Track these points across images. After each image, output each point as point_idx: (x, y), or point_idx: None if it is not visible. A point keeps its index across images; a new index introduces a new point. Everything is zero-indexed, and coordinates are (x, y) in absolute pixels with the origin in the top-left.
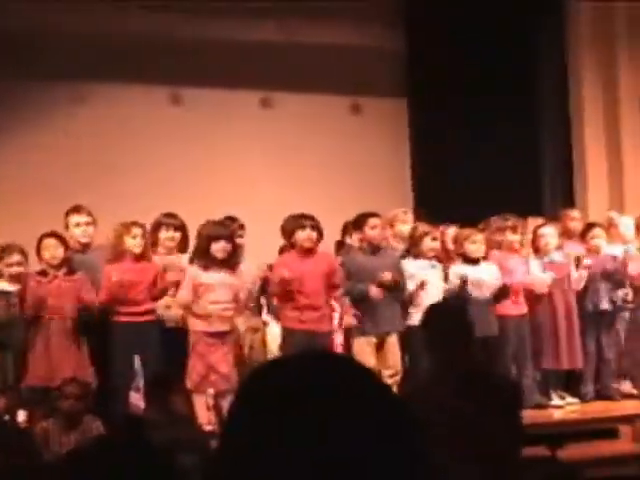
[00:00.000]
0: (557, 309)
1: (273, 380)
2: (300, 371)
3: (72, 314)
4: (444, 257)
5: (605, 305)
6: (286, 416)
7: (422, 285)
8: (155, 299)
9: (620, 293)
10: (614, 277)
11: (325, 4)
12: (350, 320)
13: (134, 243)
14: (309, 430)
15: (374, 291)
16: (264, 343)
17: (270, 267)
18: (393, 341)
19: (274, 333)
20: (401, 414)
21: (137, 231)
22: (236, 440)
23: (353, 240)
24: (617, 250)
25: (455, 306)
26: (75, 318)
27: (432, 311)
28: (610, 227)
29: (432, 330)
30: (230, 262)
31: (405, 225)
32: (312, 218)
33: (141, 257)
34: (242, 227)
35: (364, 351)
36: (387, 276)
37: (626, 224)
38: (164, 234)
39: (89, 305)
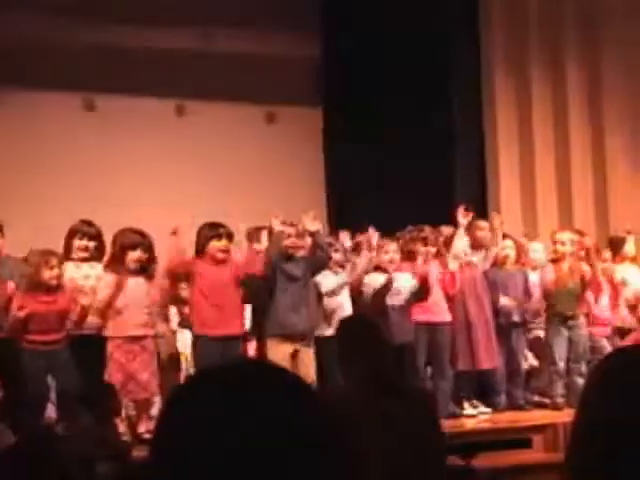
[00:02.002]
0: (470, 312)
1: (205, 389)
2: (232, 379)
3: None
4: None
5: (516, 317)
6: (216, 425)
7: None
8: (76, 325)
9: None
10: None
11: (241, 12)
12: None
13: (51, 275)
14: (239, 439)
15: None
16: (174, 351)
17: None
18: (307, 351)
19: (184, 340)
20: (329, 421)
21: (54, 261)
22: (166, 450)
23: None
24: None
25: (368, 318)
26: None
27: (345, 324)
28: (520, 253)
29: (345, 343)
30: (146, 270)
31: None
32: (225, 226)
33: (55, 287)
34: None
35: (278, 360)
36: None
37: (535, 249)
38: (78, 242)
39: None
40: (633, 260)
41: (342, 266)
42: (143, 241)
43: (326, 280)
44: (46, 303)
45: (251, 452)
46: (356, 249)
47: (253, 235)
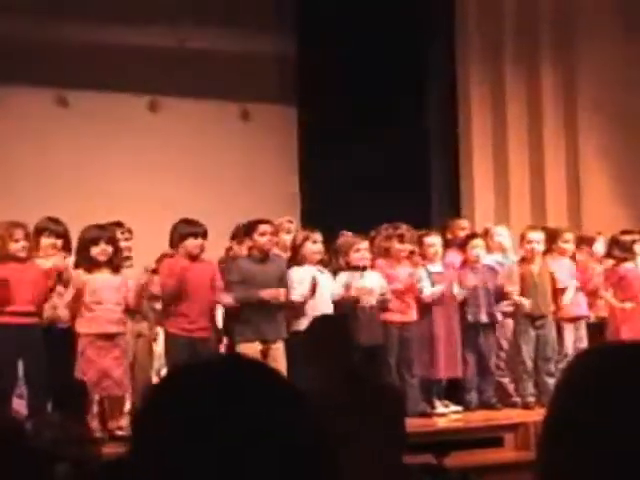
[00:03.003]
0: (435, 318)
1: (184, 388)
2: (209, 377)
3: None
4: (329, 264)
5: (484, 318)
6: (197, 423)
7: (313, 288)
8: (40, 301)
9: (502, 306)
10: (495, 291)
11: (216, 9)
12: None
13: (17, 247)
14: (217, 437)
15: (266, 292)
16: (150, 349)
17: (154, 271)
18: (278, 349)
19: (160, 339)
20: (308, 414)
21: (19, 234)
22: (145, 449)
23: (239, 247)
24: (496, 259)
25: (336, 316)
26: None
27: (314, 322)
28: (487, 237)
29: (313, 340)
30: (113, 264)
31: (290, 234)
32: (202, 225)
33: (25, 258)
34: (129, 232)
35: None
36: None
37: (501, 233)
38: (45, 240)
39: None
40: (599, 261)
41: (323, 262)
42: (105, 234)
43: (307, 274)
44: (17, 270)
45: (230, 450)
46: (337, 253)
47: (237, 233)
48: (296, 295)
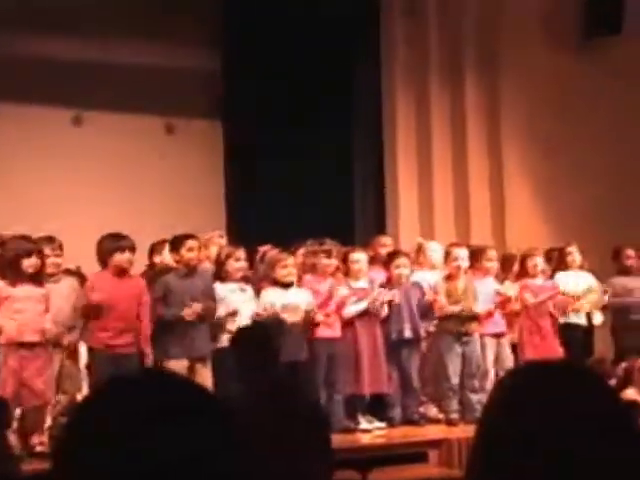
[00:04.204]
0: (358, 335)
1: (108, 404)
2: (138, 393)
3: None
4: (254, 279)
5: (408, 333)
6: (121, 441)
7: (233, 314)
8: None
9: (424, 324)
10: (419, 307)
11: (140, 23)
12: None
13: None
14: (145, 455)
15: (188, 312)
16: (77, 363)
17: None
18: (204, 365)
19: (83, 353)
20: (232, 434)
21: None
22: (69, 463)
23: (162, 260)
24: (426, 276)
25: (260, 330)
26: None
27: (239, 335)
28: (419, 253)
29: (238, 353)
30: (38, 277)
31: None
32: (129, 239)
33: None
34: (60, 248)
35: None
36: (197, 308)
37: (434, 249)
38: None
39: None
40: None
41: (247, 279)
42: (36, 247)
43: (232, 299)
44: None
45: (155, 467)
46: (262, 260)
47: (156, 248)
48: (221, 311)
